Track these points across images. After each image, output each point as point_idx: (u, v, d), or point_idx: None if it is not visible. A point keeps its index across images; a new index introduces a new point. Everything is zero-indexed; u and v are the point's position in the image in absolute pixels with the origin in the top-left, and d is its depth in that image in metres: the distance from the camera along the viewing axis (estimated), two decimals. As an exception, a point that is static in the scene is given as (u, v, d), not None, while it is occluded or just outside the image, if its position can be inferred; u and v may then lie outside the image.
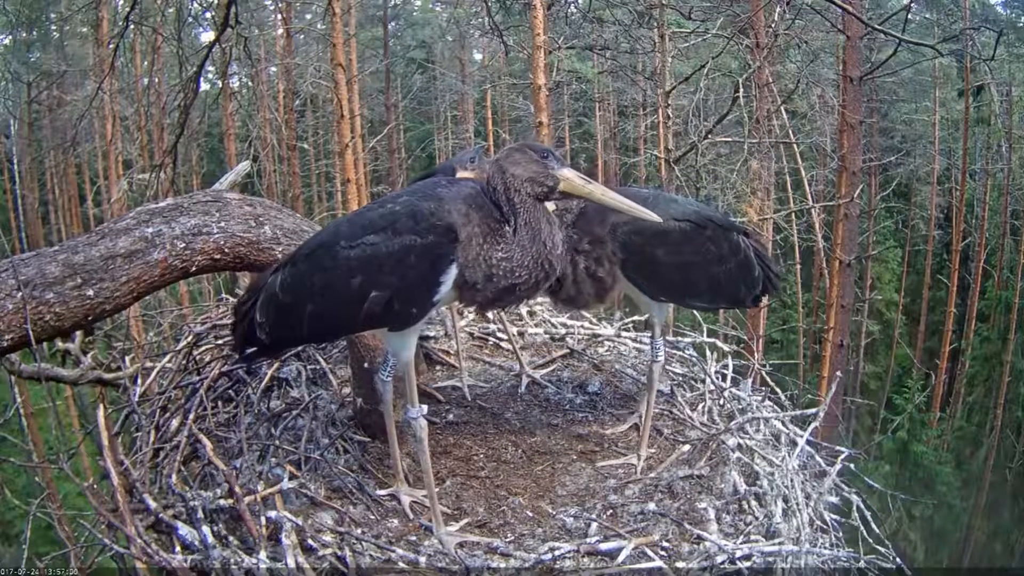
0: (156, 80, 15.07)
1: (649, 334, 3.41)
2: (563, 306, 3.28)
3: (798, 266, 18.13)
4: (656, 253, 2.96)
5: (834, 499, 3.35)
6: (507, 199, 2.53)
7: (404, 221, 2.49)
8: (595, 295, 3.04)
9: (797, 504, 3.06)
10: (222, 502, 2.78)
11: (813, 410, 3.70)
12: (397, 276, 2.49)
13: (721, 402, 3.84)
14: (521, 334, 4.40)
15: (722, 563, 2.69)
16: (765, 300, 3.57)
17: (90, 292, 2.79)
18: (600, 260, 2.95)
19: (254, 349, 2.81)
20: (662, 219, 2.78)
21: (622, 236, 2.92)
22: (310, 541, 2.64)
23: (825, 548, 3.06)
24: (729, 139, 10.47)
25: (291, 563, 2.54)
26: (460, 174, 3.35)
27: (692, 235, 3.02)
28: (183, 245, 2.97)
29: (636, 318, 4.58)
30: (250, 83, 16.56)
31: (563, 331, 4.41)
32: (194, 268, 3.02)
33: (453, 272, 2.51)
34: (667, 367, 4.07)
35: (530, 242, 2.53)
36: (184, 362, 3.88)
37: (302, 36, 18.75)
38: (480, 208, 2.54)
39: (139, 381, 3.84)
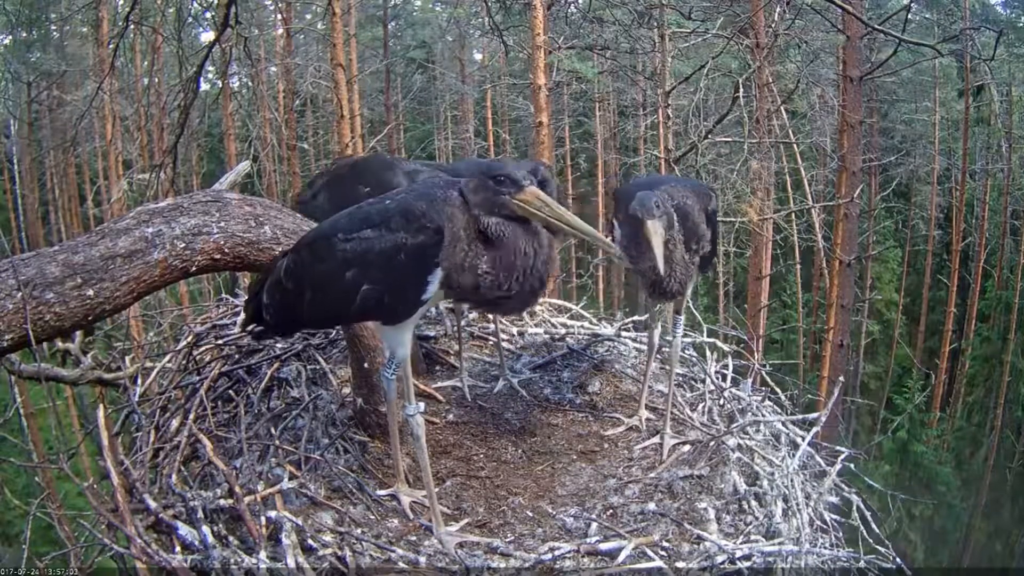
0: (156, 80, 15.08)
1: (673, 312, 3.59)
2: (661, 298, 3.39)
3: (798, 266, 18.13)
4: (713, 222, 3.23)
5: (834, 499, 3.35)
6: (485, 224, 2.52)
7: (397, 219, 2.52)
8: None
9: (797, 504, 3.06)
10: (222, 502, 2.78)
11: (814, 415, 3.70)
12: (387, 272, 2.52)
13: (721, 402, 3.83)
14: (521, 334, 4.40)
15: (722, 563, 2.69)
16: None
17: (90, 292, 2.78)
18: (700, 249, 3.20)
19: (261, 328, 2.93)
20: (696, 193, 3.20)
21: (711, 215, 3.20)
22: (310, 541, 2.64)
23: (825, 548, 3.06)
24: (729, 139, 10.48)
25: (291, 563, 2.54)
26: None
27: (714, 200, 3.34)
28: (183, 245, 2.97)
29: (636, 318, 4.58)
30: (250, 83, 16.55)
31: (563, 331, 4.41)
32: (194, 268, 3.02)
33: (439, 273, 2.52)
34: (667, 367, 4.08)
35: (509, 262, 2.52)
36: (184, 362, 3.88)
37: (302, 36, 18.73)
38: (473, 213, 2.53)
39: (139, 381, 3.84)
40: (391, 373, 2.86)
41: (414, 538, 2.81)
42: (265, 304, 2.79)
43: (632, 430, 3.61)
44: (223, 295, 4.66)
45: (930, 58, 15.18)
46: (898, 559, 3.16)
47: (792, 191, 16.16)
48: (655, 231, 2.88)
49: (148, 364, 3.98)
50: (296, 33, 17.26)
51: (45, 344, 3.37)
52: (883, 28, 7.69)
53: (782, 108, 11.74)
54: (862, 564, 3.01)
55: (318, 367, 3.80)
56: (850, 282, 11.14)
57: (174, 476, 2.99)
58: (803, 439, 3.48)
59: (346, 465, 3.16)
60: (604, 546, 2.72)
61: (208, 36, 14.06)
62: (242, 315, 3.45)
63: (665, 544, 2.78)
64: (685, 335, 4.42)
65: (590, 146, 22.88)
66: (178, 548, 2.66)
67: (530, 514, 3.02)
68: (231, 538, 2.70)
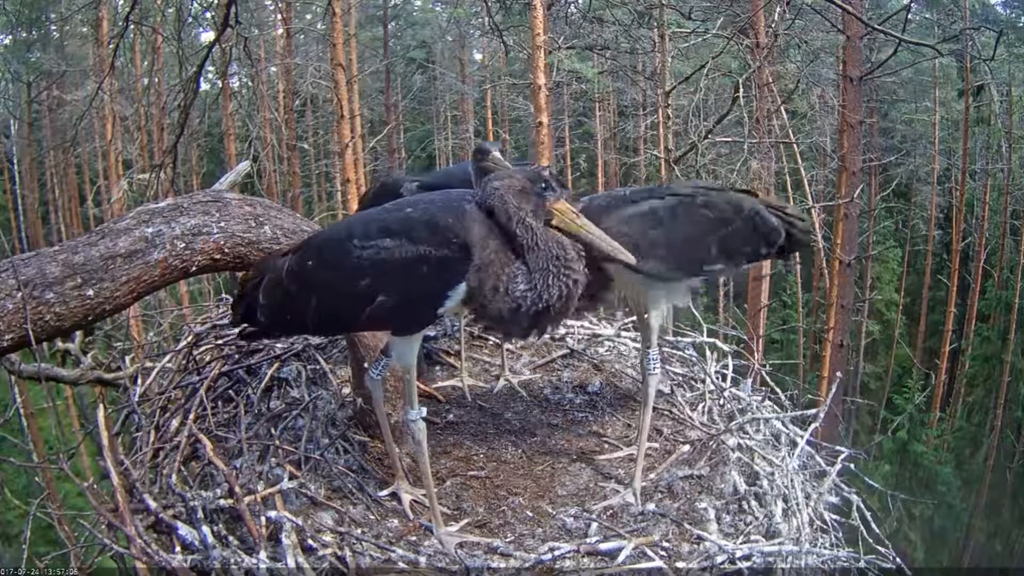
0: (156, 80, 15.09)
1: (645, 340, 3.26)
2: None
3: (798, 266, 18.13)
4: (652, 237, 2.91)
5: (834, 499, 3.35)
6: (514, 230, 2.48)
7: (420, 230, 2.47)
8: (586, 305, 2.99)
9: (797, 504, 3.06)
10: (222, 502, 2.78)
11: (813, 411, 3.70)
12: (405, 283, 2.48)
13: (721, 402, 3.83)
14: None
15: (722, 563, 2.69)
16: (797, 249, 3.48)
17: (90, 292, 2.78)
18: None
19: (253, 329, 2.84)
20: (644, 202, 2.90)
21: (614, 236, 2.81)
22: (310, 541, 2.64)
23: (825, 548, 3.06)
24: (729, 139, 10.47)
25: (291, 563, 2.54)
26: (494, 156, 3.28)
27: (681, 208, 3.00)
28: (183, 245, 2.97)
29: (636, 317, 4.57)
30: (250, 83, 16.54)
31: (563, 331, 4.41)
32: (194, 268, 3.02)
33: (461, 290, 2.48)
34: (667, 367, 4.07)
35: (546, 263, 2.47)
36: (184, 362, 3.88)
37: (302, 36, 18.74)
38: (501, 234, 2.48)
39: (139, 381, 3.84)
40: (377, 373, 2.86)
41: (414, 538, 2.81)
42: (261, 305, 2.72)
43: (629, 428, 3.59)
44: (223, 295, 4.65)
45: (930, 58, 15.18)
46: (898, 559, 3.16)
47: (792, 191, 16.13)
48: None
49: (148, 364, 3.98)
50: (296, 33, 17.29)
51: (45, 344, 3.37)
52: (883, 28, 7.66)
53: (782, 108, 11.72)
54: (862, 564, 3.01)
55: (318, 367, 3.80)
56: (850, 282, 11.15)
57: (174, 476, 2.99)
58: (802, 437, 3.48)
59: (346, 465, 3.16)
60: (604, 546, 2.73)
61: (208, 36, 14.07)
62: (230, 313, 3.22)
63: (665, 544, 2.78)
64: (684, 335, 4.42)
65: (590, 146, 22.89)
66: (178, 548, 2.66)
67: (530, 514, 3.02)
68: (231, 538, 2.70)
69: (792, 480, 3.17)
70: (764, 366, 4.22)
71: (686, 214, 3.01)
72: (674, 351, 4.27)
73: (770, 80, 10.08)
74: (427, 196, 2.72)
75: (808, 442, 3.47)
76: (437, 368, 4.11)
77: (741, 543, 2.80)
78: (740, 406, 3.78)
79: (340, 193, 15.01)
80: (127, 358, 4.06)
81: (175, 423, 3.41)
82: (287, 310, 2.69)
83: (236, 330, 2.88)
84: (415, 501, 2.98)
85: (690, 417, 3.71)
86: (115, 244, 2.88)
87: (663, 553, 2.72)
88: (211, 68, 12.22)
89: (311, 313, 2.63)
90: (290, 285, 2.65)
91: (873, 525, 3.28)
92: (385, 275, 2.48)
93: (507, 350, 4.20)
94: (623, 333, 4.46)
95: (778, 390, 4.00)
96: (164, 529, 2.76)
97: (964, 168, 19.71)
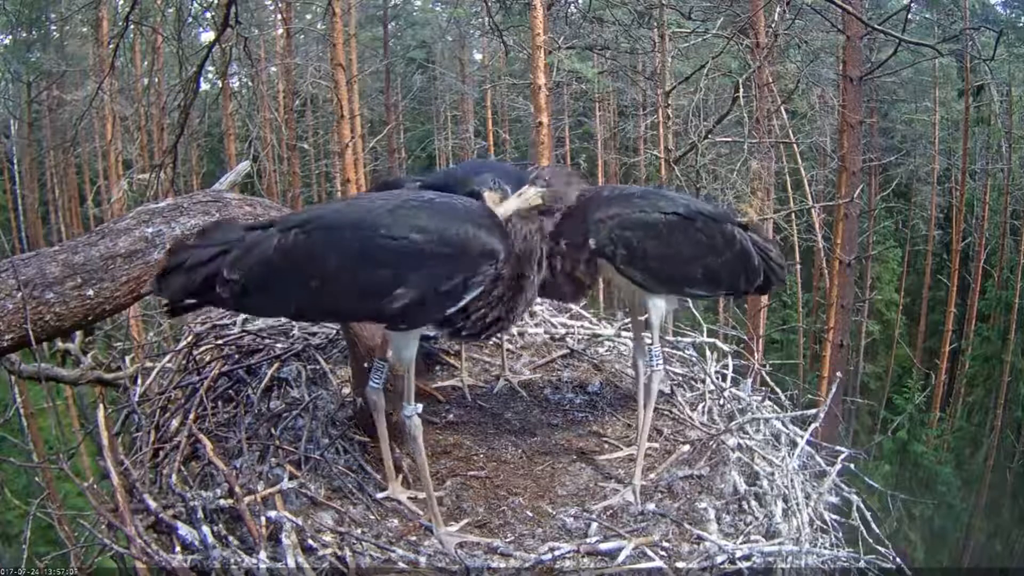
0: (156, 80, 15.11)
1: (647, 339, 3.28)
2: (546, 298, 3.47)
3: (798, 266, 18.13)
4: (647, 246, 2.97)
5: (834, 499, 3.35)
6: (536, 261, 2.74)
7: (453, 232, 2.50)
8: (573, 292, 3.10)
9: (797, 504, 3.06)
10: (222, 502, 2.77)
11: (813, 411, 3.70)
12: (430, 280, 2.49)
13: (721, 402, 3.83)
14: (521, 334, 4.40)
15: (722, 563, 2.68)
16: (771, 289, 3.51)
17: (90, 292, 2.79)
18: (577, 261, 2.97)
19: (193, 301, 2.59)
20: (651, 214, 2.96)
21: (612, 231, 2.93)
22: (310, 541, 2.64)
23: (825, 548, 3.06)
24: (729, 139, 10.47)
25: (291, 563, 2.54)
26: (488, 196, 3.22)
27: (680, 227, 3.04)
28: (183, 245, 2.97)
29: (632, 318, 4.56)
30: (250, 83, 16.54)
31: (563, 331, 4.41)
32: (194, 268, 3.01)
33: (477, 291, 2.55)
34: (667, 367, 4.07)
35: (530, 299, 2.79)
36: (184, 362, 3.88)
37: (302, 36, 18.76)
38: (516, 263, 2.66)
39: (139, 381, 3.83)
40: (378, 383, 2.86)
41: (414, 538, 2.81)
42: (227, 279, 2.48)
43: (630, 430, 3.60)
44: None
45: (930, 58, 15.20)
46: (898, 559, 3.16)
47: (792, 191, 16.15)
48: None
49: (148, 364, 3.97)
50: (296, 33, 17.31)
51: (45, 344, 3.38)
52: (883, 28, 7.66)
53: (782, 108, 11.74)
54: (862, 564, 3.01)
55: (318, 367, 3.80)
56: (850, 282, 11.16)
57: (174, 476, 2.98)
58: (802, 437, 3.48)
59: (346, 465, 3.15)
60: (604, 546, 2.72)
61: (208, 36, 14.07)
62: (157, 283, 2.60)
63: (665, 544, 2.78)
64: (684, 335, 4.41)
65: (590, 146, 22.91)
66: (178, 548, 2.66)
67: (530, 514, 3.02)
68: (231, 538, 2.69)
69: (792, 480, 3.17)
70: (764, 366, 4.22)
71: (683, 235, 3.06)
72: (674, 351, 4.27)
73: (770, 80, 10.10)
74: (450, 198, 2.67)
75: (808, 442, 3.47)
76: (437, 368, 4.10)
77: (741, 543, 2.80)
78: (740, 406, 3.78)
79: (340, 193, 15.03)
80: (127, 358, 4.06)
81: (175, 423, 3.40)
82: (271, 289, 2.53)
83: (174, 303, 2.57)
84: (411, 498, 2.98)
85: (690, 417, 3.71)
86: (115, 244, 2.88)
87: (663, 553, 2.72)
88: (211, 68, 12.22)
89: (307, 296, 2.50)
90: (281, 263, 2.49)
91: (873, 525, 3.27)
92: (412, 270, 2.47)
93: (507, 350, 4.20)
94: (623, 333, 4.46)
95: (778, 390, 4.00)
96: (164, 529, 2.75)
97: (964, 168, 19.73)
